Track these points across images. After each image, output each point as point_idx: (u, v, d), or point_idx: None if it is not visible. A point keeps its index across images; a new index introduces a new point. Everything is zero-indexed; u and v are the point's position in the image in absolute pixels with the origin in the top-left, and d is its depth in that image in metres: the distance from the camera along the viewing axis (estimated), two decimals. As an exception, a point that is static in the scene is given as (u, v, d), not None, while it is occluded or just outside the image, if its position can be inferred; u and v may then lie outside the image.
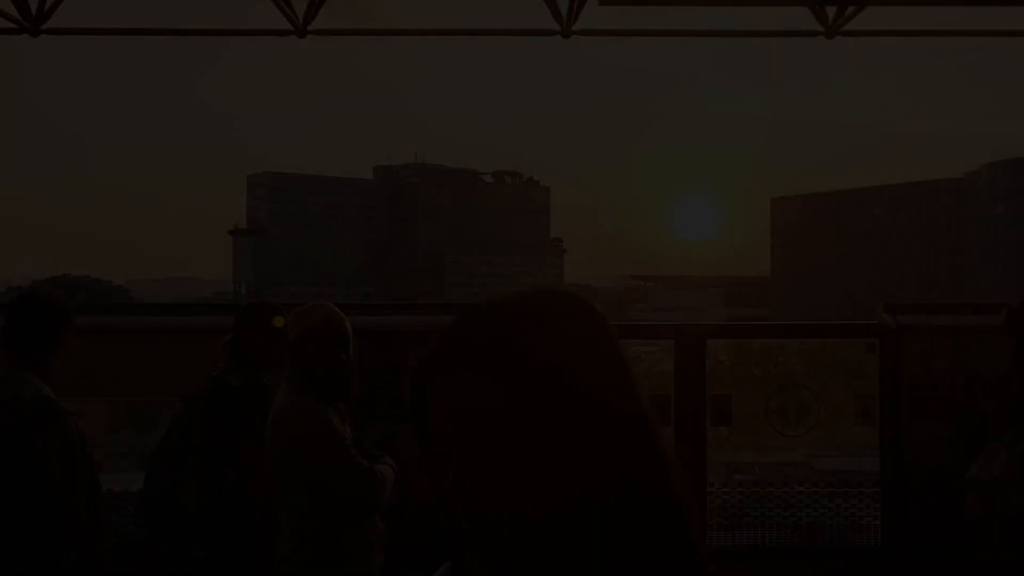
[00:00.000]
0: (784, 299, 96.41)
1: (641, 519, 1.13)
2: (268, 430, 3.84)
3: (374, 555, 3.90)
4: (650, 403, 1.21)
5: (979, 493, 4.90)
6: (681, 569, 1.15)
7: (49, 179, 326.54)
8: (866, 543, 6.33)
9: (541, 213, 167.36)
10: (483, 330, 1.18)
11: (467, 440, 1.14)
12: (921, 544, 6.11)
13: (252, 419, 4.01)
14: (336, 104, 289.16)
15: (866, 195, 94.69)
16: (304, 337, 3.85)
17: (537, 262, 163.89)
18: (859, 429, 6.50)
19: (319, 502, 3.74)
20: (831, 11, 7.51)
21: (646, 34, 8.72)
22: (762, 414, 6.41)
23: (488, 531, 1.16)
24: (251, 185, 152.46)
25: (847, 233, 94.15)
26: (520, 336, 1.15)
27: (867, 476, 6.52)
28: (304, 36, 7.90)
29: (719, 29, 8.82)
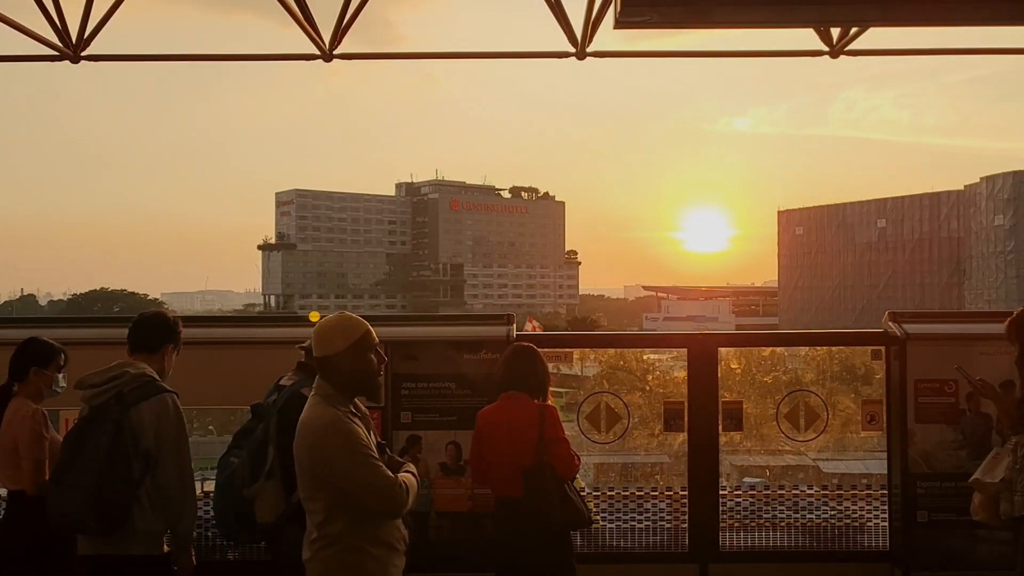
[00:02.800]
0: (792, 308, 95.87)
1: None
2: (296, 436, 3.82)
3: (396, 557, 3.88)
4: None
5: (984, 495, 4.86)
6: None
7: (86, 198, 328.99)
8: (874, 544, 6.29)
9: (557, 227, 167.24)
10: None
11: None
12: (927, 545, 6.06)
13: None
14: (360, 124, 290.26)
15: (869, 207, 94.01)
16: (317, 354, 3.84)
17: (553, 273, 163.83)
18: (866, 434, 6.46)
19: (342, 508, 3.71)
20: (835, 32, 7.51)
21: (658, 55, 8.75)
22: (772, 419, 6.38)
23: None
24: (279, 202, 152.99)
25: (852, 244, 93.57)
26: None
27: (874, 479, 6.47)
28: (330, 60, 7.94)
29: (728, 50, 8.84)
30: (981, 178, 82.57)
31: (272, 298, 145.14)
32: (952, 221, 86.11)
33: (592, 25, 7.40)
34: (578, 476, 5.22)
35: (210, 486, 6.79)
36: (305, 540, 3.81)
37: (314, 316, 6.28)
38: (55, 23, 7.63)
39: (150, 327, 4.56)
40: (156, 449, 4.25)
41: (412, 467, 3.99)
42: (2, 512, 5.30)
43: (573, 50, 7.72)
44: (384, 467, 3.75)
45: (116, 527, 4.17)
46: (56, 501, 4.20)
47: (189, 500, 4.40)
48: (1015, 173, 78.66)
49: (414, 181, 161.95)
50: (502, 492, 4.98)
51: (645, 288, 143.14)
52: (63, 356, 5.00)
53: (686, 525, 6.25)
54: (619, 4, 2.89)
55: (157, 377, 4.39)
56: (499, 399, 5.07)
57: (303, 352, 4.85)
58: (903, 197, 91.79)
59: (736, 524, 6.33)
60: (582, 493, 5.35)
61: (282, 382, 4.83)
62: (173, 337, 4.57)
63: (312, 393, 3.85)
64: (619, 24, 2.97)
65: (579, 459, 5.07)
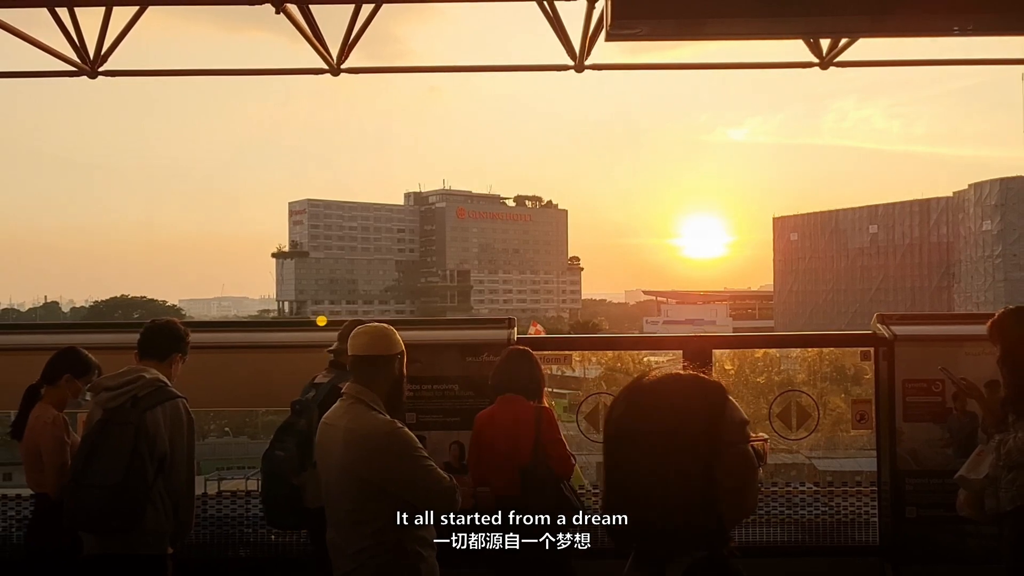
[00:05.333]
0: (787, 312, 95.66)
1: None
2: (345, 446, 3.62)
3: (434, 555, 3.82)
4: None
5: (969, 492, 4.84)
6: None
7: (105, 209, 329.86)
8: (865, 539, 6.27)
9: (560, 234, 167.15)
10: None
11: None
12: (916, 539, 6.04)
13: None
14: (369, 135, 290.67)
15: (862, 213, 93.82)
16: (368, 352, 3.76)
17: (556, 279, 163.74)
18: (856, 432, 6.44)
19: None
20: (825, 43, 7.48)
21: (653, 67, 8.73)
22: (765, 419, 6.36)
23: None
24: (292, 211, 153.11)
25: (844, 249, 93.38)
26: None
27: (865, 476, 6.45)
28: (338, 74, 7.94)
29: (720, 62, 8.82)
30: (970, 185, 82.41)
31: (286, 304, 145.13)
32: (942, 227, 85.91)
33: (589, 39, 7.39)
34: (582, 475, 5.21)
35: (227, 486, 6.82)
36: (343, 552, 3.65)
37: (321, 320, 6.29)
38: (73, 40, 7.64)
39: (161, 335, 4.58)
40: (171, 453, 4.26)
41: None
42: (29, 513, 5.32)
43: (572, 63, 7.71)
44: (440, 469, 3.66)
45: (133, 527, 4.17)
46: (77, 500, 4.19)
47: (192, 503, 4.50)
48: (1002, 180, 78.52)
49: (422, 191, 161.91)
50: (501, 492, 4.96)
51: (645, 293, 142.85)
52: (97, 372, 4.99)
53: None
54: (610, 17, 2.88)
55: (168, 382, 4.40)
56: (496, 402, 5.05)
57: (332, 354, 4.89)
58: (894, 204, 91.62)
59: (731, 520, 6.30)
60: (580, 491, 5.34)
61: (317, 380, 4.88)
62: (182, 347, 4.60)
63: (350, 402, 3.69)
64: (610, 37, 2.96)
65: (575, 458, 5.06)
